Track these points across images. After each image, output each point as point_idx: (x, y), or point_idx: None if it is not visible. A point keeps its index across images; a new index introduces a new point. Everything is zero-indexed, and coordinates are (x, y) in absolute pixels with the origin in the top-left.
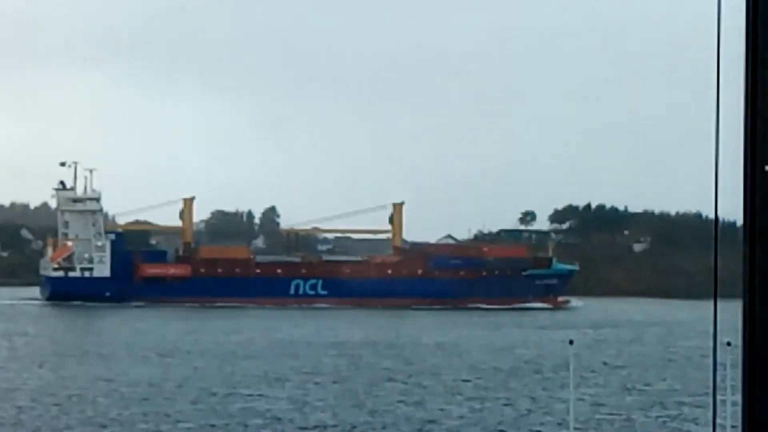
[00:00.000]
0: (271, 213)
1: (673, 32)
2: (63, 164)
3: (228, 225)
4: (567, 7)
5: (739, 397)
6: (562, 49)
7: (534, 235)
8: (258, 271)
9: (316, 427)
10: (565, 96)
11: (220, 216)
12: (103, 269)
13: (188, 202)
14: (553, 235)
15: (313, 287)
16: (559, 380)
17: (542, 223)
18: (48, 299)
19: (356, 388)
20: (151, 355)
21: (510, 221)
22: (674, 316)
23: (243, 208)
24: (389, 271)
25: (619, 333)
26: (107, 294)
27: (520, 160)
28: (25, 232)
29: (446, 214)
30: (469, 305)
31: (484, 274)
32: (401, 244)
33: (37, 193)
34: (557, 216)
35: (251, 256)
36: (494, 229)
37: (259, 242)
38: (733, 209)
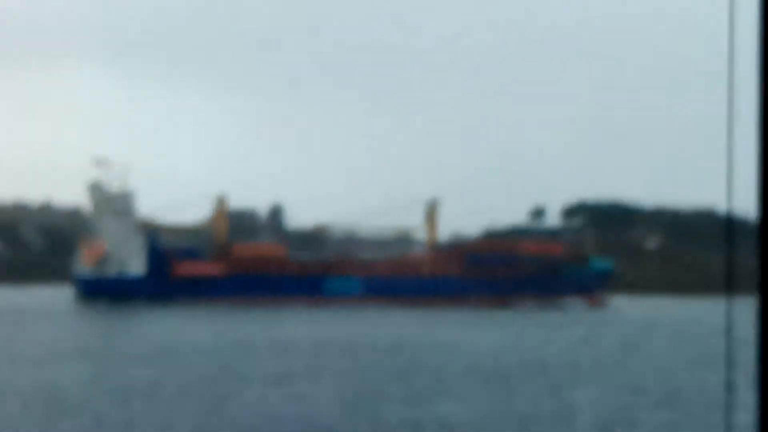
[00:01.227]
0: (277, 212)
1: (687, 22)
2: (98, 162)
3: (237, 223)
4: (582, 4)
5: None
6: (575, 43)
7: (546, 232)
8: (293, 269)
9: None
10: (577, 91)
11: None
12: (137, 268)
13: (221, 200)
14: (563, 231)
15: (349, 286)
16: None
17: (553, 219)
18: (82, 299)
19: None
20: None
21: (521, 217)
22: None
23: (250, 205)
24: (426, 270)
25: (659, 332)
26: (142, 293)
27: (531, 155)
28: (26, 232)
29: (454, 211)
30: (506, 304)
31: (522, 272)
32: (436, 241)
33: (55, 191)
34: (568, 212)
35: (286, 255)
36: (504, 226)
37: (266, 239)
38: (747, 204)
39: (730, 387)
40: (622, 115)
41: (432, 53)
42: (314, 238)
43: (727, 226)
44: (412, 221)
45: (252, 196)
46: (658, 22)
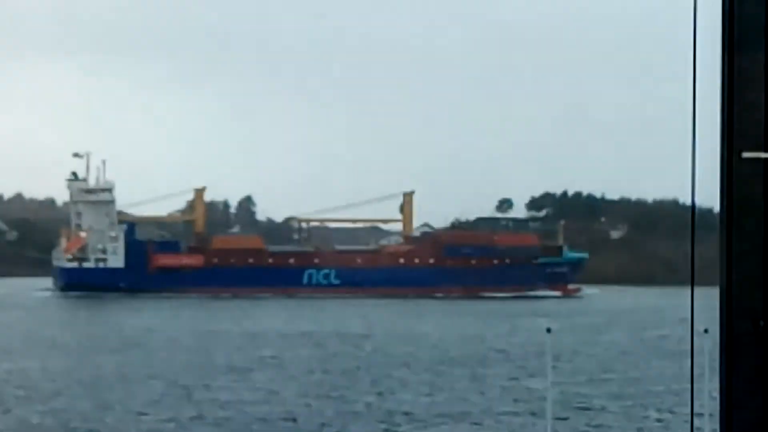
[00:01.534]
0: (246, 203)
1: (649, 19)
2: (76, 155)
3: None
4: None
5: (716, 384)
6: (537, 39)
7: (511, 223)
8: (271, 261)
9: (286, 419)
10: (541, 85)
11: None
12: (116, 260)
13: (199, 193)
14: (530, 223)
15: (326, 277)
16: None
17: (519, 211)
18: (62, 290)
19: (330, 381)
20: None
21: (487, 209)
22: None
23: (219, 198)
24: (401, 260)
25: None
26: (121, 284)
27: (496, 148)
28: None
29: (423, 202)
30: (481, 294)
31: (496, 262)
32: (411, 233)
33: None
34: (534, 204)
35: (264, 247)
36: (471, 218)
37: (235, 231)
38: (710, 196)
39: (692, 375)
40: (587, 108)
41: (402, 48)
42: (287, 229)
43: (690, 216)
44: (385, 214)
45: (224, 190)
46: (623, 15)
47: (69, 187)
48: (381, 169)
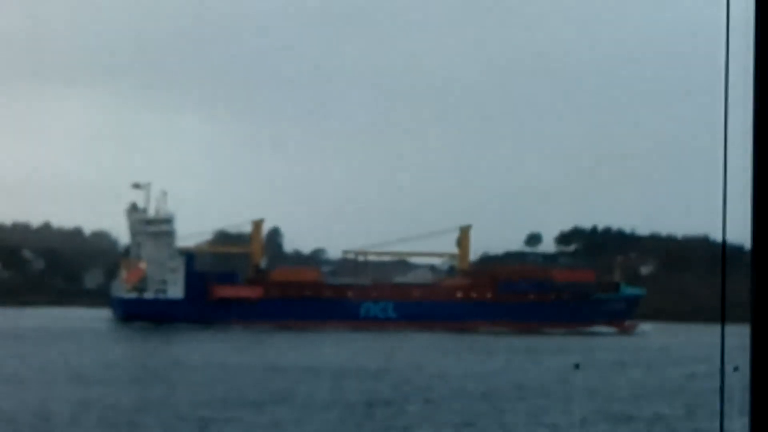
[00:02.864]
0: (274, 234)
1: (681, 55)
2: (136, 186)
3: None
4: (577, 31)
5: (747, 422)
6: (568, 72)
7: (540, 258)
8: (328, 293)
9: None
10: (572, 118)
11: (222, 236)
12: (176, 291)
13: (257, 225)
14: (559, 258)
15: (384, 310)
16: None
17: (548, 246)
18: (121, 320)
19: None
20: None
21: (516, 243)
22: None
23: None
24: (458, 294)
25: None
26: (180, 315)
27: (526, 182)
28: (27, 253)
29: (453, 236)
30: (538, 330)
31: (553, 298)
32: (468, 266)
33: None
34: (563, 238)
35: (322, 279)
36: (500, 252)
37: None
38: (741, 233)
39: (722, 414)
40: (618, 145)
41: (424, 85)
42: (345, 263)
43: (721, 254)
44: (437, 247)
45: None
46: (654, 53)
47: (128, 217)
48: (413, 205)
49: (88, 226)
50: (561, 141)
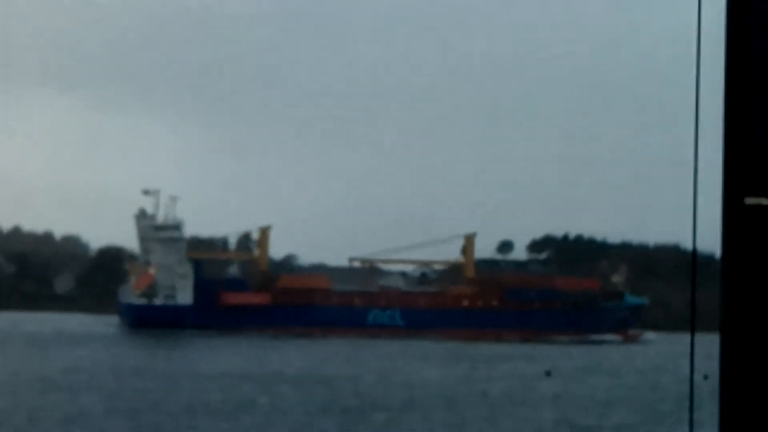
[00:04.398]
0: (245, 241)
1: (652, 63)
2: (146, 192)
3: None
4: (548, 38)
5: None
6: (538, 80)
7: (512, 265)
8: (336, 300)
9: None
10: (543, 126)
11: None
12: (185, 297)
13: (264, 232)
14: (530, 266)
15: (391, 317)
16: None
17: (520, 253)
18: (130, 326)
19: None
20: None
21: (487, 251)
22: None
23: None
24: (465, 303)
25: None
26: (189, 322)
27: (498, 190)
28: None
29: (410, 242)
30: (544, 338)
31: (559, 306)
32: (473, 275)
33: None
34: (535, 246)
35: (330, 286)
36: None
37: (233, 270)
38: (711, 241)
39: (691, 423)
40: (589, 153)
41: (397, 89)
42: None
43: (691, 262)
44: (436, 255)
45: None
46: (626, 60)
47: (137, 223)
48: (373, 208)
49: (59, 231)
50: (532, 148)
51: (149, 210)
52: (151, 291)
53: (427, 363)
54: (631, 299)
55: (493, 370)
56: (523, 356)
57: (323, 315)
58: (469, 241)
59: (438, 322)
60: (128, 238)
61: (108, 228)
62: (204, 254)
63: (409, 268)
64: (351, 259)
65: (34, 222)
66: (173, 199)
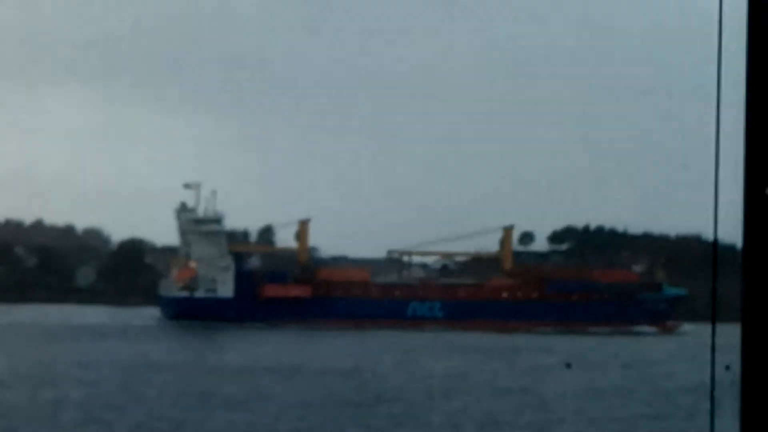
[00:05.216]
0: (266, 233)
1: (673, 53)
2: (187, 186)
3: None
4: (569, 29)
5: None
6: (560, 69)
7: (534, 257)
8: (376, 292)
9: None
10: (564, 116)
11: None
12: (226, 290)
13: (303, 224)
14: (551, 257)
15: (430, 309)
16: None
17: (541, 245)
18: (171, 319)
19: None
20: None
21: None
22: None
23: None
24: (504, 294)
25: None
26: (230, 314)
27: (518, 180)
28: (19, 250)
29: (443, 234)
30: (582, 330)
31: (598, 298)
32: (511, 266)
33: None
34: (556, 237)
35: (370, 279)
36: (493, 250)
37: (255, 261)
38: (732, 232)
39: (712, 414)
40: (609, 142)
41: (414, 81)
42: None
43: (712, 252)
44: (480, 247)
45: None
46: (647, 50)
47: (178, 217)
48: (397, 199)
49: (80, 224)
50: (552, 139)
51: (189, 203)
52: (192, 284)
53: (456, 355)
54: (670, 290)
55: (513, 362)
56: (555, 347)
57: (363, 307)
58: (508, 233)
59: (477, 313)
60: (149, 231)
61: (129, 220)
62: (245, 247)
63: (432, 260)
64: (389, 252)
65: (55, 215)
66: (213, 193)
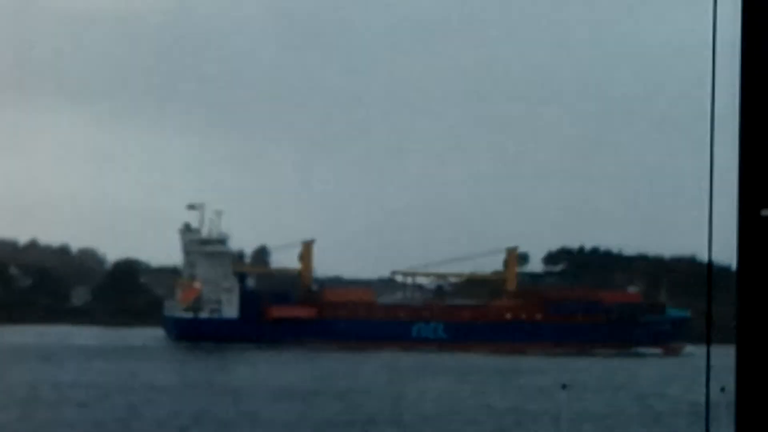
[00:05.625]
0: (261, 254)
1: (667, 75)
2: (191, 207)
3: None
4: (560, 49)
5: None
6: (552, 91)
7: (529, 278)
8: (381, 313)
9: None
10: (558, 137)
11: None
12: (231, 311)
13: (307, 245)
14: (546, 278)
15: (434, 331)
16: None
17: (535, 266)
18: (175, 339)
19: None
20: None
21: (501, 264)
22: None
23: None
24: (508, 316)
25: None
26: (235, 335)
27: (513, 201)
28: (13, 270)
29: (438, 255)
30: (585, 351)
31: (601, 319)
32: (515, 288)
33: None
34: (551, 258)
35: (375, 300)
36: (488, 271)
37: (251, 282)
38: (727, 253)
39: None
40: (604, 164)
41: (406, 99)
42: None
43: (707, 274)
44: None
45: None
46: (640, 72)
47: (182, 237)
48: (396, 220)
49: (75, 244)
50: (548, 160)
51: (193, 224)
52: (196, 305)
53: (453, 376)
54: (673, 312)
55: (511, 384)
56: (556, 369)
57: (368, 328)
58: (512, 254)
59: (481, 335)
60: (145, 251)
61: (124, 240)
62: (249, 268)
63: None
64: (393, 272)
65: (50, 235)
66: (218, 213)
